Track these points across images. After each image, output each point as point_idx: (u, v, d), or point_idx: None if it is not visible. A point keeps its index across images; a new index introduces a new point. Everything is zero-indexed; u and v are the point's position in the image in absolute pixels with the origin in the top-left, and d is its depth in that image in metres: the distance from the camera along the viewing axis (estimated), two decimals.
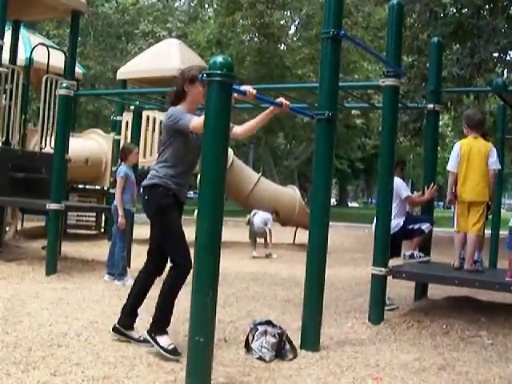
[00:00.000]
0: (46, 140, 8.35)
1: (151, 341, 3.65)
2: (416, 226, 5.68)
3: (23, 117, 8.37)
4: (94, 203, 11.40)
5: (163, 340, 3.61)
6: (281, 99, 3.74)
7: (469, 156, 5.13)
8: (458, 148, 5.22)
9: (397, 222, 5.63)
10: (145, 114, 9.72)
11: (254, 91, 3.42)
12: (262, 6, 21.79)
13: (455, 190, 5.21)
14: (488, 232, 7.28)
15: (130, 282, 6.14)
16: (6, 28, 7.69)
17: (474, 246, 5.18)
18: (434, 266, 5.56)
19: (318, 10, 20.69)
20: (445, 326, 4.67)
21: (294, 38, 26.06)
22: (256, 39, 24.17)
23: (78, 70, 11.08)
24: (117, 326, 3.93)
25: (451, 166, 5.26)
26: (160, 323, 3.70)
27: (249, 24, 22.72)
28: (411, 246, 5.74)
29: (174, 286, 3.67)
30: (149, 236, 3.97)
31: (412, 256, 5.62)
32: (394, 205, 5.55)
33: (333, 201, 38.17)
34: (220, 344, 3.90)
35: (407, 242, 5.86)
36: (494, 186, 5.25)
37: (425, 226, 5.67)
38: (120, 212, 6.23)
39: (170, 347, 3.57)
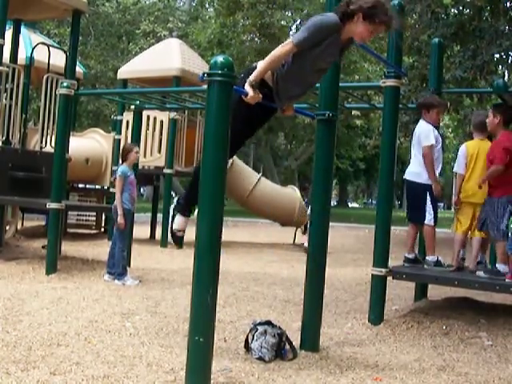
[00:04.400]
0: (46, 139, 8.34)
1: None
2: (427, 205, 5.07)
3: (23, 116, 8.35)
4: (94, 203, 11.42)
5: None
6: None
7: (476, 158, 5.14)
8: (465, 150, 5.23)
9: (424, 172, 5.01)
10: (145, 113, 9.73)
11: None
12: (262, 7, 21.79)
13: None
14: None
15: (129, 281, 6.15)
16: (7, 27, 7.68)
17: (479, 248, 5.17)
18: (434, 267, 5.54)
19: (319, 10, 20.63)
20: (444, 327, 4.67)
21: None
22: (257, 39, 24.17)
23: (79, 69, 11.08)
24: None
25: (458, 168, 5.23)
26: None
27: (250, 24, 22.70)
28: (408, 247, 5.51)
29: None
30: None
31: (438, 263, 5.14)
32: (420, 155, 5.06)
33: (333, 201, 38.11)
34: (220, 344, 3.90)
35: (404, 243, 5.77)
36: None
37: (429, 218, 5.13)
38: (119, 211, 6.23)
39: None
